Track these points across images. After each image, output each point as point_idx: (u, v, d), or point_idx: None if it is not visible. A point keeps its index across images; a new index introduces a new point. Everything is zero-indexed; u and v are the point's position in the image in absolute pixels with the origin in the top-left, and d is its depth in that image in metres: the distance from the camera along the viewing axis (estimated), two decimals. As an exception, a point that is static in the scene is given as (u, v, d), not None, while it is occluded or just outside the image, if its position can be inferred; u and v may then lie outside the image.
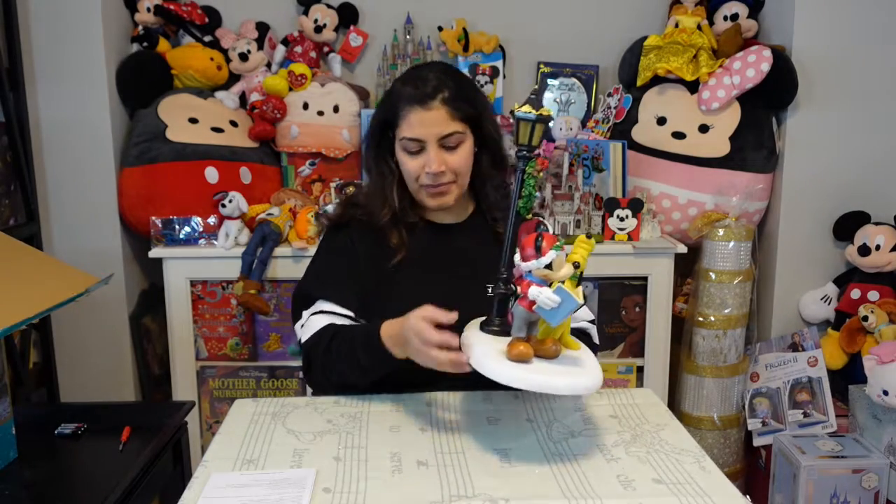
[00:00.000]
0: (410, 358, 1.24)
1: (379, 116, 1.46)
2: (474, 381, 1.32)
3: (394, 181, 1.45)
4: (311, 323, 1.41)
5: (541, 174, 1.28)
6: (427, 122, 1.37)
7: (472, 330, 1.24)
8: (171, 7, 2.42)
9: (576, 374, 1.13)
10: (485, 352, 1.15)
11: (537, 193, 1.24)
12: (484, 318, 1.25)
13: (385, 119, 1.44)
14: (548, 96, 2.57)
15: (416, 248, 1.45)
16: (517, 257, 1.13)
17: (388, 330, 1.28)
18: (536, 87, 1.26)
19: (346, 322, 1.42)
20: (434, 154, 1.38)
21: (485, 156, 1.47)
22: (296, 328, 1.47)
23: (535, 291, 1.08)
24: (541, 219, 1.19)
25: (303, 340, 1.42)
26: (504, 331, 1.19)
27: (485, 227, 1.51)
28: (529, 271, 1.11)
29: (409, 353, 1.24)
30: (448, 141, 1.39)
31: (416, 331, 1.19)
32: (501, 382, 1.10)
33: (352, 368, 1.34)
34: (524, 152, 1.24)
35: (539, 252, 1.09)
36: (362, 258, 1.45)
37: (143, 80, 2.35)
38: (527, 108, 1.21)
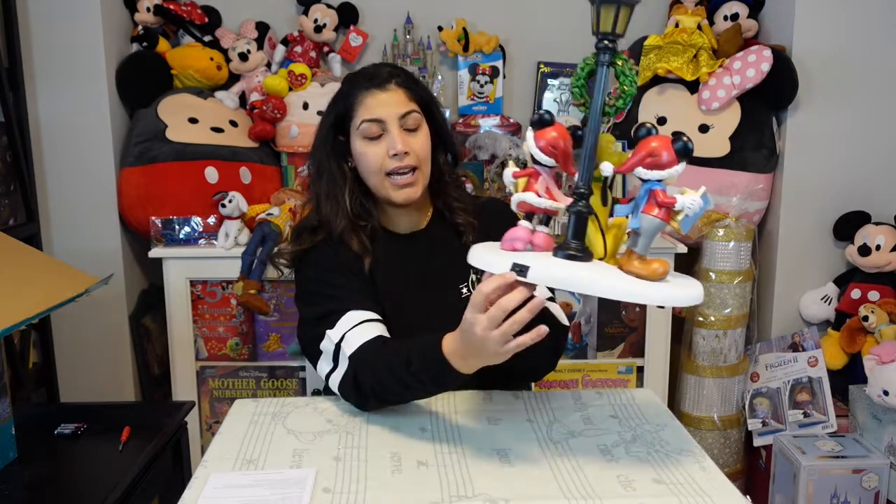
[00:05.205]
0: (485, 364, 1.13)
1: (331, 114, 1.41)
2: (473, 382, 1.32)
3: (346, 185, 1.40)
4: (355, 336, 1.27)
5: (633, 71, 1.09)
6: (385, 102, 1.35)
7: (540, 260, 1.04)
8: (171, 7, 2.42)
9: (685, 285, 1.06)
10: (607, 275, 1.03)
11: (635, 91, 1.09)
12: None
13: (338, 115, 1.40)
14: (548, 96, 2.57)
15: (375, 260, 1.39)
16: (634, 165, 1.01)
17: (451, 345, 1.15)
18: None
19: (381, 325, 1.31)
20: (397, 134, 1.35)
21: (440, 152, 1.45)
22: (321, 365, 1.33)
23: (688, 199, 1.00)
24: (648, 124, 1.06)
25: (349, 353, 1.26)
26: (584, 256, 1.05)
27: (445, 233, 1.47)
28: (660, 179, 1.00)
29: (485, 356, 1.11)
30: (407, 121, 1.36)
31: (489, 319, 1.05)
32: (654, 304, 1.03)
33: (407, 389, 1.23)
34: (606, 42, 1.05)
35: (685, 154, 0.99)
36: (346, 267, 1.39)
37: (142, 80, 2.35)
38: None
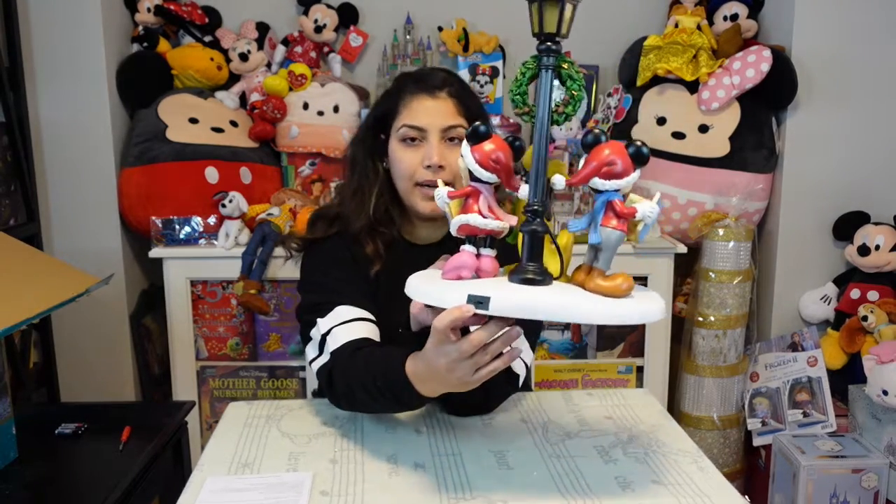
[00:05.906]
0: (453, 390, 1.06)
1: (378, 109, 1.38)
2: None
3: (375, 184, 1.36)
4: (342, 332, 1.25)
5: (580, 74, 0.99)
6: (432, 110, 1.30)
7: (499, 287, 0.95)
8: (172, 7, 2.42)
9: (649, 297, 0.99)
10: (575, 295, 0.94)
11: (584, 95, 0.97)
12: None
13: (384, 111, 1.35)
14: (548, 96, 2.57)
15: (386, 266, 1.36)
16: (588, 176, 0.94)
17: (413, 368, 1.08)
18: None
19: (372, 327, 1.28)
20: (435, 145, 1.29)
21: None
22: (308, 349, 1.31)
23: (647, 208, 0.93)
24: (596, 130, 0.96)
25: (332, 349, 1.24)
26: (544, 279, 0.96)
27: (455, 247, 1.44)
28: (617, 189, 0.94)
29: (451, 385, 1.05)
30: (450, 134, 1.30)
31: (459, 353, 0.98)
32: (633, 323, 0.94)
33: (375, 401, 1.18)
34: (549, 44, 0.96)
35: (640, 161, 0.92)
36: (352, 265, 1.37)
37: (143, 80, 2.35)
38: None
